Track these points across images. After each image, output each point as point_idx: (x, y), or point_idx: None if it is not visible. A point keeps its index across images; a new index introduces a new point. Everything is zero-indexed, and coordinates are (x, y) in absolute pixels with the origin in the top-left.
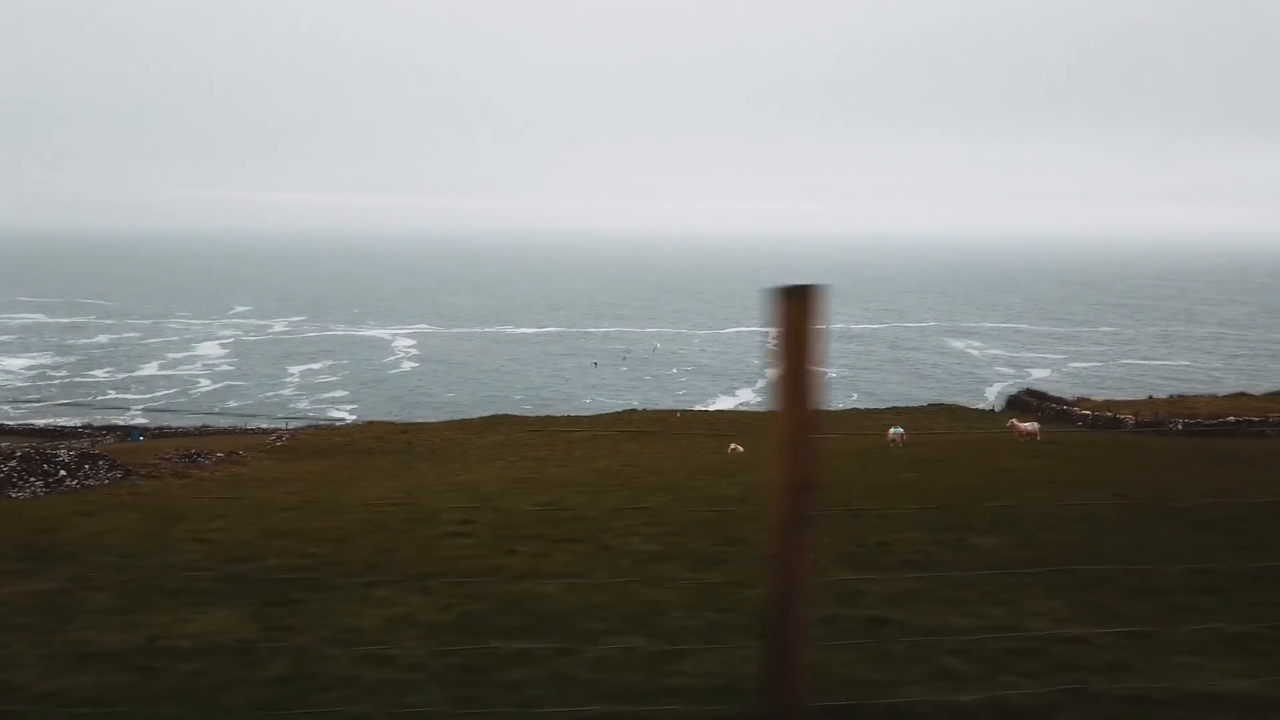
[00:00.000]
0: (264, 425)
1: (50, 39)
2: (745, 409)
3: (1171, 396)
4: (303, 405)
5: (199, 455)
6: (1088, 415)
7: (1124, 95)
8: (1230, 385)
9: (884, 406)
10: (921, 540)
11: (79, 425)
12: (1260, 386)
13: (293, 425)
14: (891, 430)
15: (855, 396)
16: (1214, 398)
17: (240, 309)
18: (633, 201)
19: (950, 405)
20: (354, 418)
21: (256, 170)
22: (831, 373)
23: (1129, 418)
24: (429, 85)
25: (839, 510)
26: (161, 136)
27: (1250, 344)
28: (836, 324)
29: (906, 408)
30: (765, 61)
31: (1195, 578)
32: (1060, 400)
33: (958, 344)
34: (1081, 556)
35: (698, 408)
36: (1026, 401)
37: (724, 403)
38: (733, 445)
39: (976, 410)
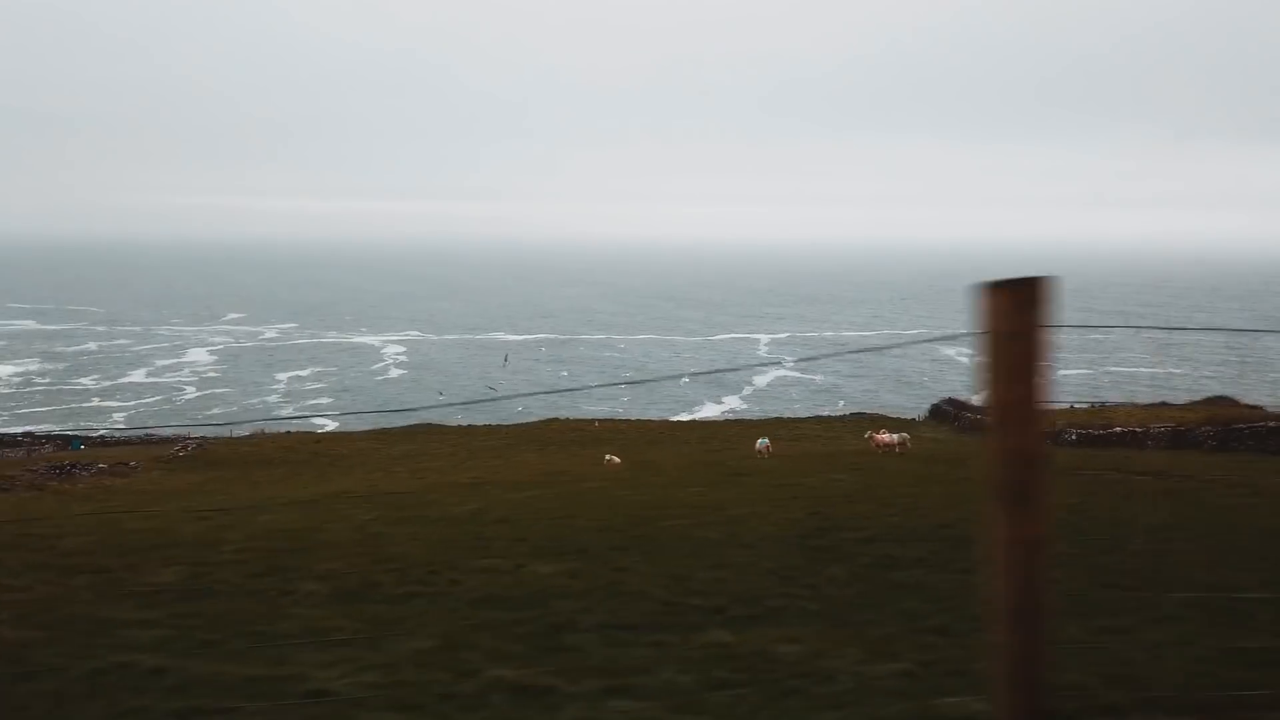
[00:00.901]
0: (243, 433)
1: (48, 43)
2: (729, 417)
3: (1093, 404)
4: (286, 412)
5: (74, 467)
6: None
7: (1125, 99)
8: (1215, 392)
9: (807, 415)
10: (484, 569)
11: (18, 434)
12: (1229, 393)
13: (238, 433)
14: (759, 441)
15: (842, 404)
16: (1134, 407)
17: (233, 315)
18: (630, 206)
19: (872, 414)
20: (334, 425)
21: (257, 177)
22: (819, 379)
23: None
24: (427, 91)
25: (499, 532)
26: (163, 143)
27: (1241, 351)
28: (827, 332)
29: (828, 417)
30: (764, 67)
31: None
32: (978, 410)
33: (949, 351)
34: (601, 585)
35: (681, 417)
36: (946, 411)
37: (710, 410)
38: (609, 456)
39: (898, 420)
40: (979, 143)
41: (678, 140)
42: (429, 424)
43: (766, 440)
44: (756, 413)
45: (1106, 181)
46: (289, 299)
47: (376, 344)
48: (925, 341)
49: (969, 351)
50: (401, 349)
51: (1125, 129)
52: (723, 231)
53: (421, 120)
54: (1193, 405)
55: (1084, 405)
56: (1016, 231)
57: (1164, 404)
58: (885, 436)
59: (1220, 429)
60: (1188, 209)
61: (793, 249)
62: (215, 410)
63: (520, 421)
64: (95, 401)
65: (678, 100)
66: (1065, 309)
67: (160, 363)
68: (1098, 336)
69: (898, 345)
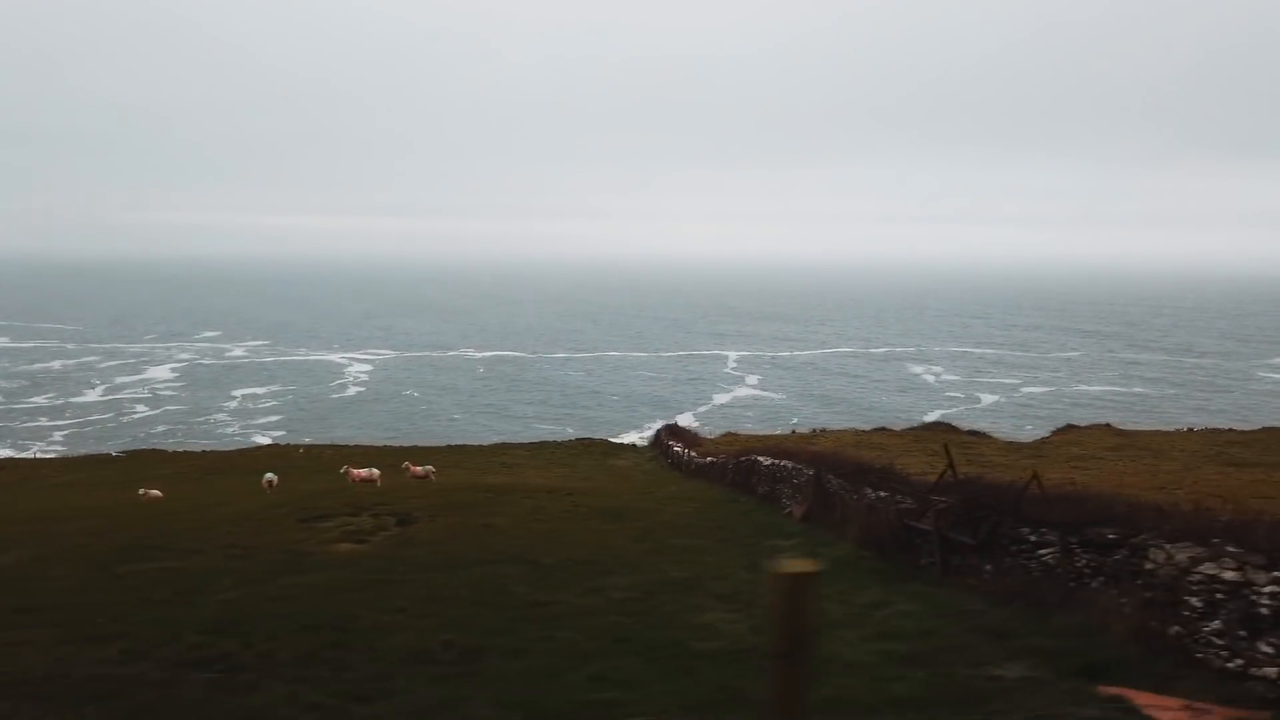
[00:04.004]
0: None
1: (38, 61)
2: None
3: (815, 430)
4: (231, 430)
5: None
6: (679, 453)
7: (1114, 117)
8: (1171, 415)
9: (525, 441)
10: None
11: None
12: (1131, 421)
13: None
14: (265, 476)
15: (796, 420)
16: (844, 432)
17: (208, 333)
18: (617, 223)
19: (599, 439)
20: (269, 441)
21: (252, 193)
22: (778, 397)
23: (693, 454)
24: (421, 107)
25: None
26: (160, 159)
27: (1208, 371)
28: (800, 350)
29: (555, 441)
30: (747, 83)
31: None
32: (688, 437)
33: (917, 369)
34: None
35: (629, 437)
36: (659, 438)
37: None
38: (143, 489)
39: (620, 444)
40: (965, 164)
41: (667, 157)
42: (155, 449)
43: (272, 475)
44: (706, 431)
45: (1095, 200)
46: (268, 316)
47: (342, 362)
48: None
49: (939, 369)
50: (367, 367)
51: (1115, 147)
52: (712, 247)
53: (418, 136)
54: (905, 430)
55: (805, 430)
56: (1006, 251)
57: (883, 429)
58: (360, 472)
59: (735, 461)
60: (1173, 226)
61: (780, 265)
62: (160, 429)
63: (239, 447)
64: (42, 421)
65: (663, 117)
66: (1046, 329)
67: (121, 380)
68: (1073, 354)
69: None
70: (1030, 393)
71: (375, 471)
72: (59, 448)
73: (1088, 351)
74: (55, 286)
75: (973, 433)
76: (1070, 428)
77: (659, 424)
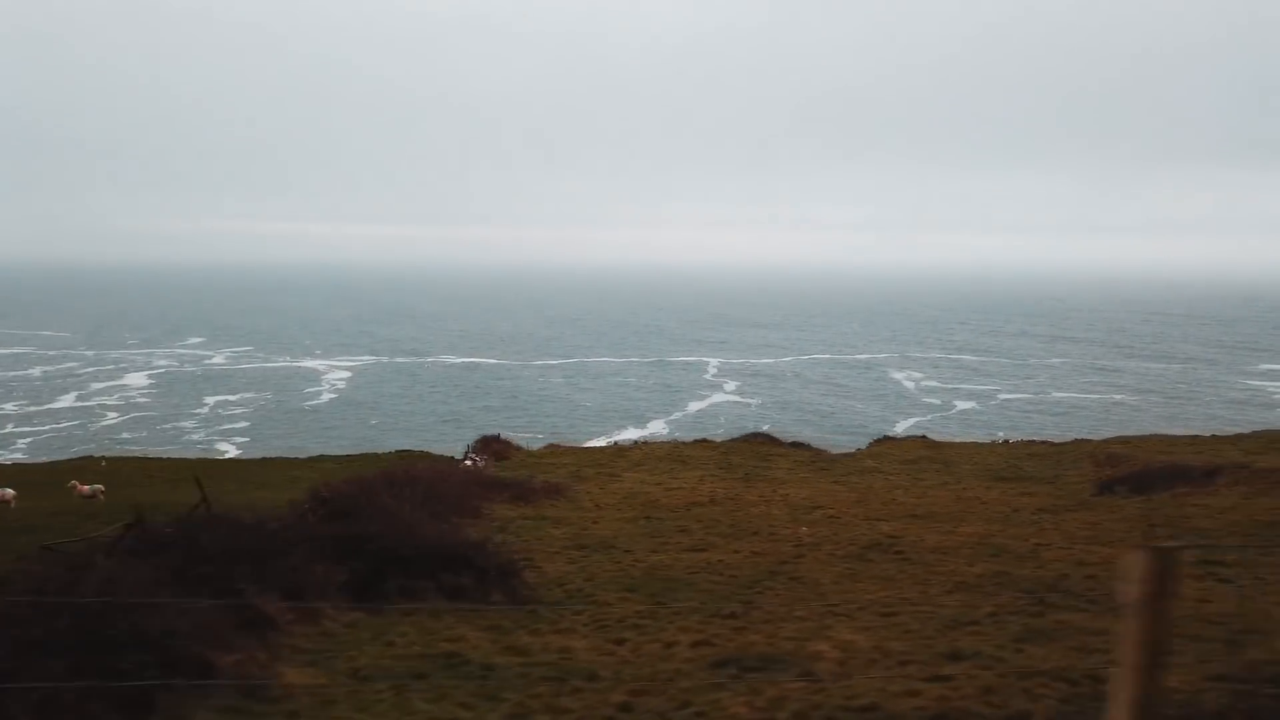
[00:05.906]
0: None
1: (42, 67)
2: (643, 439)
3: (634, 442)
4: (195, 438)
5: None
6: (469, 465)
7: (1106, 124)
8: (1142, 423)
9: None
10: None
11: None
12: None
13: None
14: (5, 490)
15: (767, 427)
16: (664, 443)
17: (192, 339)
18: (618, 231)
19: (419, 450)
20: (239, 452)
21: (254, 199)
22: (754, 403)
23: (480, 461)
24: (418, 114)
25: None
26: (158, 166)
27: (1189, 379)
28: (785, 357)
29: (377, 453)
30: (741, 93)
31: None
32: (498, 448)
33: (899, 375)
34: None
35: (596, 442)
36: (470, 452)
37: (630, 434)
38: None
39: (443, 457)
40: (957, 171)
41: (661, 166)
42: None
43: (10, 490)
44: (676, 437)
45: (1089, 206)
46: (254, 322)
47: (321, 369)
48: None
49: (919, 376)
50: (346, 374)
51: (1108, 154)
52: (709, 255)
53: (418, 145)
54: (723, 440)
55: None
56: (996, 256)
57: (703, 440)
58: (85, 488)
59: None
60: (1168, 233)
61: (769, 271)
62: (124, 435)
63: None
64: (10, 428)
65: (657, 126)
66: (1032, 335)
67: (95, 386)
68: (1057, 360)
69: None
70: (1008, 398)
71: (9, 492)
72: (20, 455)
73: (1071, 358)
74: (48, 293)
75: (795, 444)
76: (886, 439)
77: (629, 429)
